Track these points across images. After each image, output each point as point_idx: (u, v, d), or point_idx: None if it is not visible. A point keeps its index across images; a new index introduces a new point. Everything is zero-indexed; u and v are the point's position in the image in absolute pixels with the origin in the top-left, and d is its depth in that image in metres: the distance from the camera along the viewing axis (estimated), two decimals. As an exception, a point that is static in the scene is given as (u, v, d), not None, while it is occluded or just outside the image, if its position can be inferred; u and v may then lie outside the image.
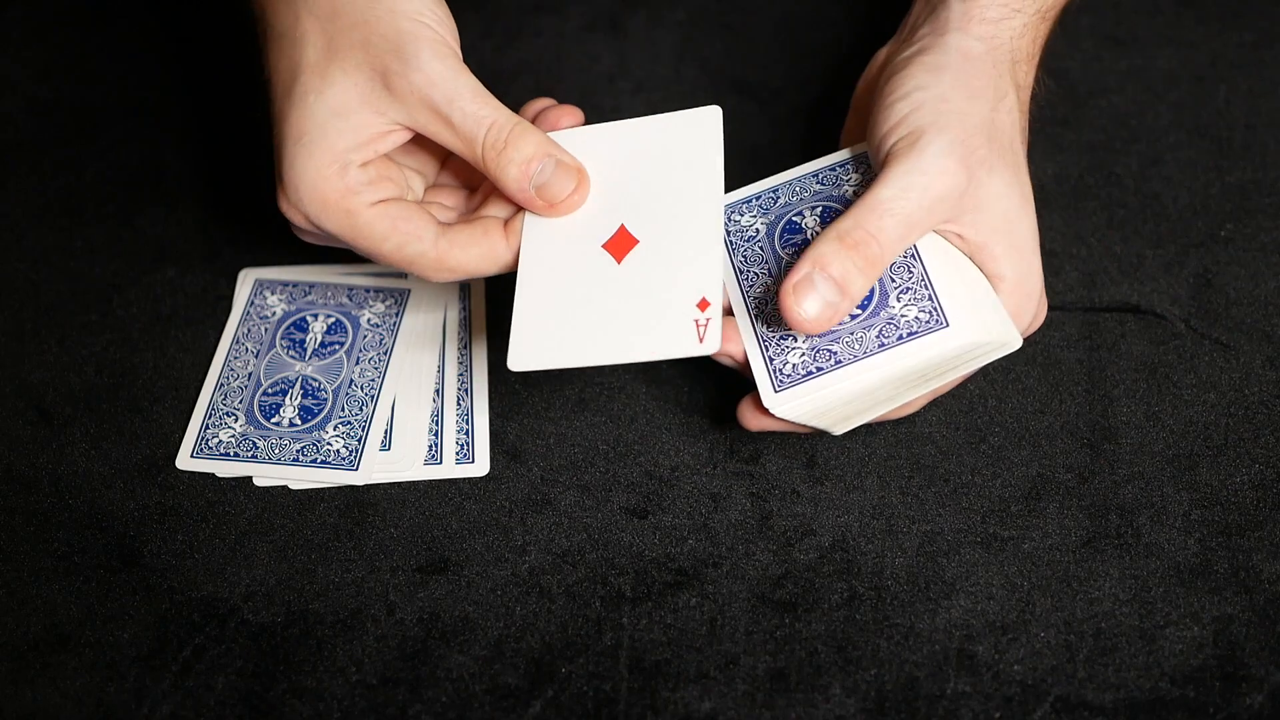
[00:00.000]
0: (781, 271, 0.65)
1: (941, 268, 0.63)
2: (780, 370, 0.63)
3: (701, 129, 0.64)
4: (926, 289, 0.63)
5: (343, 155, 0.62)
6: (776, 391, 0.63)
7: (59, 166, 0.82)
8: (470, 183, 0.68)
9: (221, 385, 0.70)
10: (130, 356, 0.73)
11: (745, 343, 0.64)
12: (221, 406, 0.70)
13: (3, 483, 0.68)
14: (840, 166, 0.68)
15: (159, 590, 0.64)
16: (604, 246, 0.63)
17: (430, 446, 0.68)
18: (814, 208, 0.67)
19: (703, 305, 0.60)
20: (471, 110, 0.62)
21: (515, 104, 0.84)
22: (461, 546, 0.65)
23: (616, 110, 0.83)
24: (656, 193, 0.63)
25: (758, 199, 0.69)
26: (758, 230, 0.68)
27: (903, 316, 0.63)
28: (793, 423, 0.63)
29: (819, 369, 0.62)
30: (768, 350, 0.64)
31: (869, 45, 0.87)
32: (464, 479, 0.68)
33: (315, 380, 0.70)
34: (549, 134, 0.65)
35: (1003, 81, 0.65)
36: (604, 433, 0.69)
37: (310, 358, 0.71)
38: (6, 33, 0.90)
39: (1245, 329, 0.72)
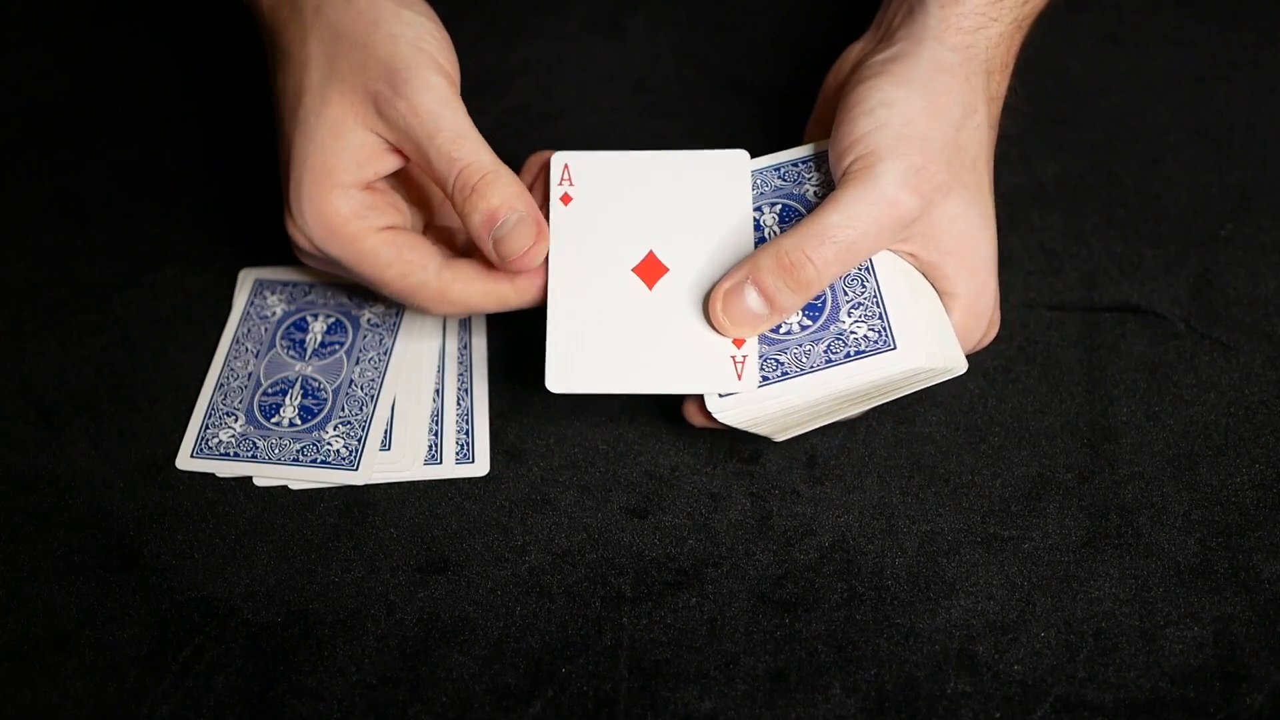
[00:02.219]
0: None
1: (894, 285, 0.63)
2: None
3: (728, 168, 0.65)
4: (878, 307, 0.63)
5: (344, 177, 0.63)
6: (722, 396, 0.63)
7: (59, 166, 0.82)
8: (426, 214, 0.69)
9: (221, 385, 0.71)
10: (130, 356, 0.73)
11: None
12: (221, 406, 0.70)
13: (3, 483, 0.68)
14: (803, 162, 0.68)
15: (159, 590, 0.64)
16: (634, 270, 0.64)
17: (430, 446, 0.68)
18: (774, 204, 0.67)
19: (739, 342, 0.62)
20: (447, 150, 0.61)
21: (515, 104, 0.84)
22: (461, 546, 0.65)
23: (616, 110, 0.83)
24: (686, 226, 0.64)
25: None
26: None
27: (852, 334, 0.63)
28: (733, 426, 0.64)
29: (764, 379, 0.63)
30: None
31: (869, 45, 0.87)
32: (464, 479, 0.68)
33: (315, 380, 0.70)
34: (575, 154, 0.65)
35: (973, 96, 0.65)
36: (604, 433, 0.69)
37: (310, 358, 0.71)
38: (6, 32, 0.90)
39: (1245, 329, 0.72)
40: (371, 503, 0.67)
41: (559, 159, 0.66)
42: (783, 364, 0.63)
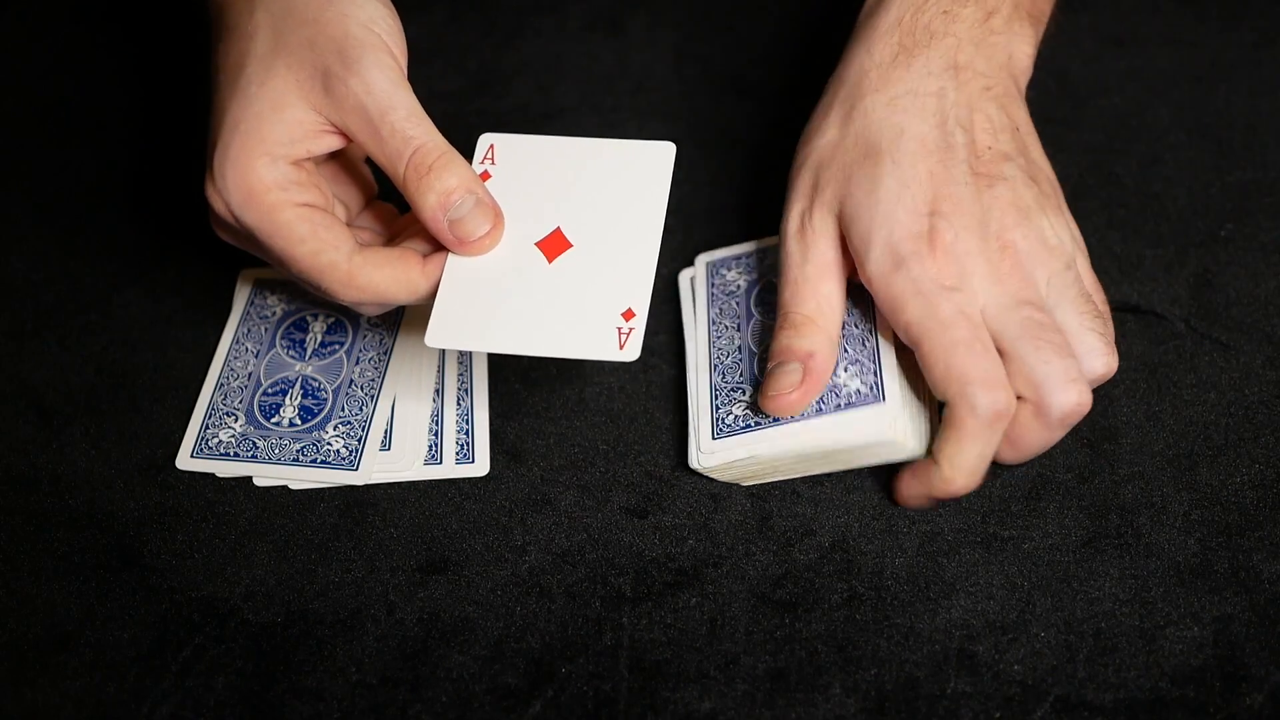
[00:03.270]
0: (750, 328, 0.69)
1: (893, 353, 0.66)
2: (723, 419, 0.66)
3: (654, 160, 0.65)
4: (874, 363, 0.65)
5: (275, 148, 0.62)
6: (714, 438, 0.66)
7: (59, 166, 0.82)
8: (390, 230, 0.68)
9: (221, 385, 0.71)
10: (130, 356, 0.73)
11: (695, 390, 0.68)
12: (221, 406, 0.70)
13: (3, 483, 0.68)
14: None
15: (159, 590, 0.64)
16: (537, 244, 0.63)
17: (430, 446, 0.68)
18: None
19: (628, 315, 0.61)
20: (402, 128, 0.61)
21: (515, 104, 0.84)
22: (461, 546, 0.65)
23: (616, 110, 0.83)
24: (598, 208, 0.64)
25: (746, 258, 0.72)
26: (739, 286, 0.71)
27: (845, 386, 0.65)
28: (708, 469, 0.66)
29: (757, 424, 0.65)
30: (717, 399, 0.67)
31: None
32: (464, 479, 0.68)
33: (315, 380, 0.70)
34: (504, 136, 0.65)
35: (866, 67, 0.67)
36: (604, 433, 0.69)
37: (310, 358, 0.71)
38: (6, 31, 0.90)
39: (1245, 329, 0.72)
40: (371, 503, 0.67)
41: (485, 139, 0.66)
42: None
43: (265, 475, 0.67)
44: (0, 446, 0.69)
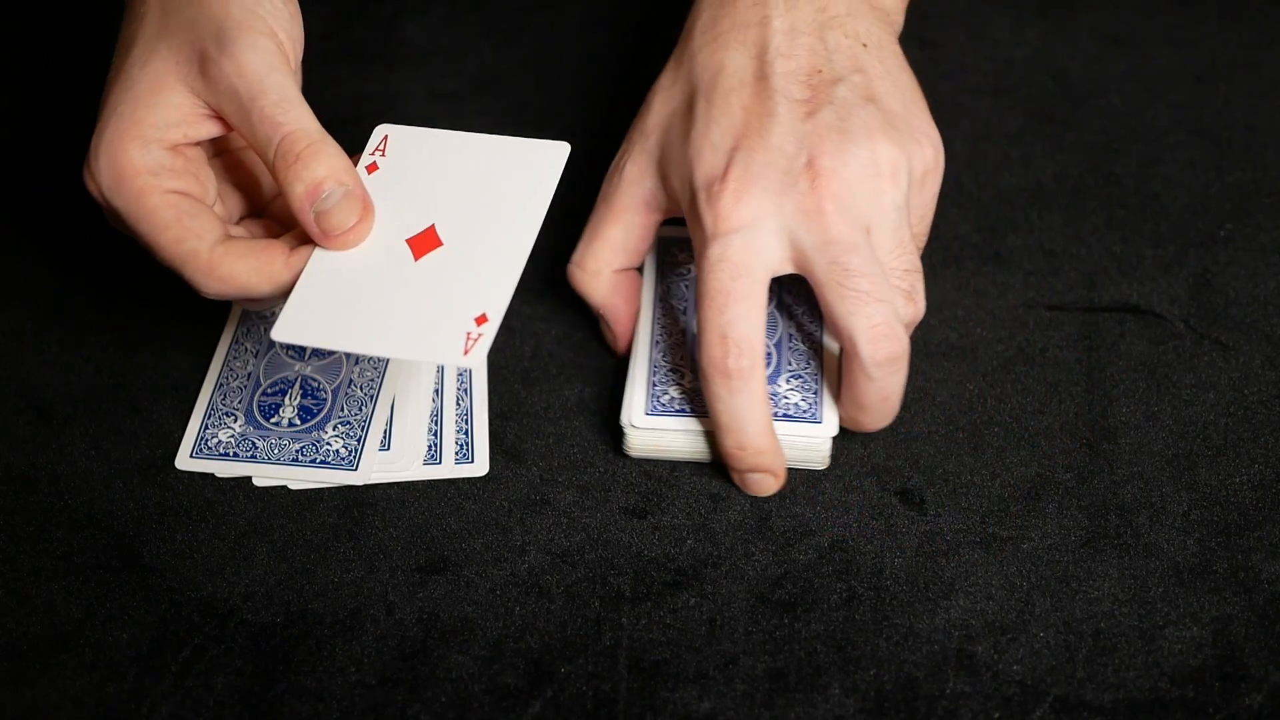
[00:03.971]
0: (695, 314, 0.68)
1: (832, 376, 0.67)
2: (658, 398, 0.67)
3: (545, 160, 0.63)
4: (816, 383, 0.67)
5: (149, 131, 0.61)
6: (647, 414, 0.67)
7: (59, 165, 0.82)
8: (252, 203, 0.67)
9: (221, 385, 0.71)
10: (130, 356, 0.73)
11: (634, 364, 0.69)
12: (221, 406, 0.70)
13: (2, 483, 0.68)
14: None
15: (158, 590, 0.64)
16: (407, 240, 0.62)
17: (430, 446, 0.68)
18: None
19: (480, 320, 0.60)
20: (270, 113, 0.59)
21: (515, 104, 0.84)
22: (461, 546, 0.65)
23: (616, 110, 0.83)
24: (477, 207, 0.62)
25: None
26: (689, 270, 0.72)
27: (785, 398, 0.66)
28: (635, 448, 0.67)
29: (692, 410, 0.66)
30: (654, 375, 0.68)
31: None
32: (463, 479, 0.68)
33: (315, 380, 0.70)
34: (401, 128, 0.64)
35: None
36: (604, 433, 0.69)
37: (309, 357, 0.71)
38: (6, 30, 0.90)
39: (1245, 329, 0.72)
40: (371, 503, 0.67)
41: (381, 130, 0.64)
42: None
43: (265, 475, 0.67)
44: (0, 446, 0.69)
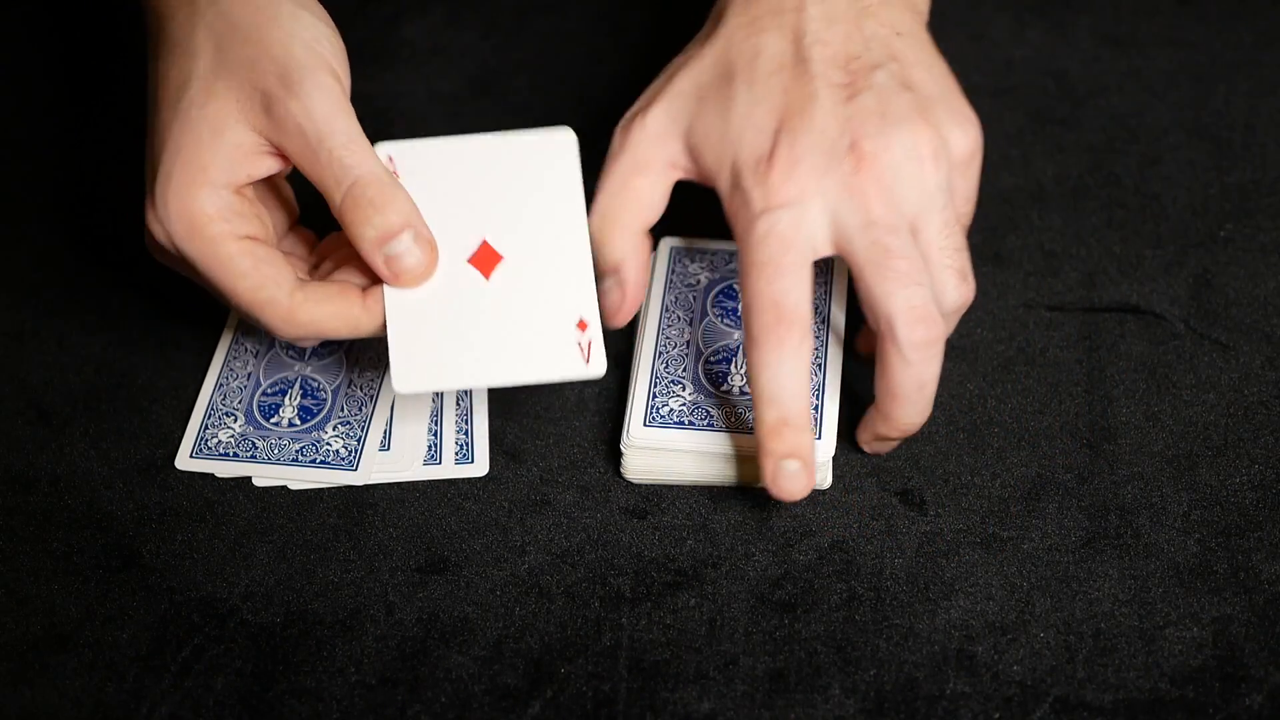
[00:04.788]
0: (702, 326, 0.70)
1: (836, 391, 0.67)
2: (658, 409, 0.66)
3: (558, 149, 0.64)
4: (816, 399, 0.66)
5: (216, 175, 0.61)
6: (645, 426, 0.66)
7: (59, 165, 0.82)
8: (314, 255, 0.67)
9: (221, 385, 0.71)
10: (130, 356, 0.73)
11: (636, 374, 0.68)
12: (221, 406, 0.70)
13: (3, 483, 0.68)
14: None
15: (158, 590, 0.64)
16: (469, 261, 0.62)
17: (429, 446, 0.68)
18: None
19: (582, 326, 0.61)
20: (339, 156, 0.60)
21: (515, 104, 0.84)
22: (461, 547, 0.65)
23: (616, 110, 0.83)
24: (515, 210, 0.63)
25: (712, 255, 0.73)
26: (699, 280, 0.72)
27: None
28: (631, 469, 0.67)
29: (692, 423, 0.66)
30: (655, 387, 0.67)
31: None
32: (463, 479, 0.68)
33: (314, 380, 0.70)
34: (401, 143, 0.64)
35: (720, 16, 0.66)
36: (604, 433, 0.69)
37: (309, 358, 0.71)
38: (7, 30, 0.90)
39: (1245, 329, 0.72)
40: (371, 503, 0.67)
41: (382, 149, 0.63)
42: (712, 416, 0.66)
43: (264, 475, 0.67)
44: (0, 446, 0.69)
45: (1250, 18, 0.86)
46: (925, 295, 0.61)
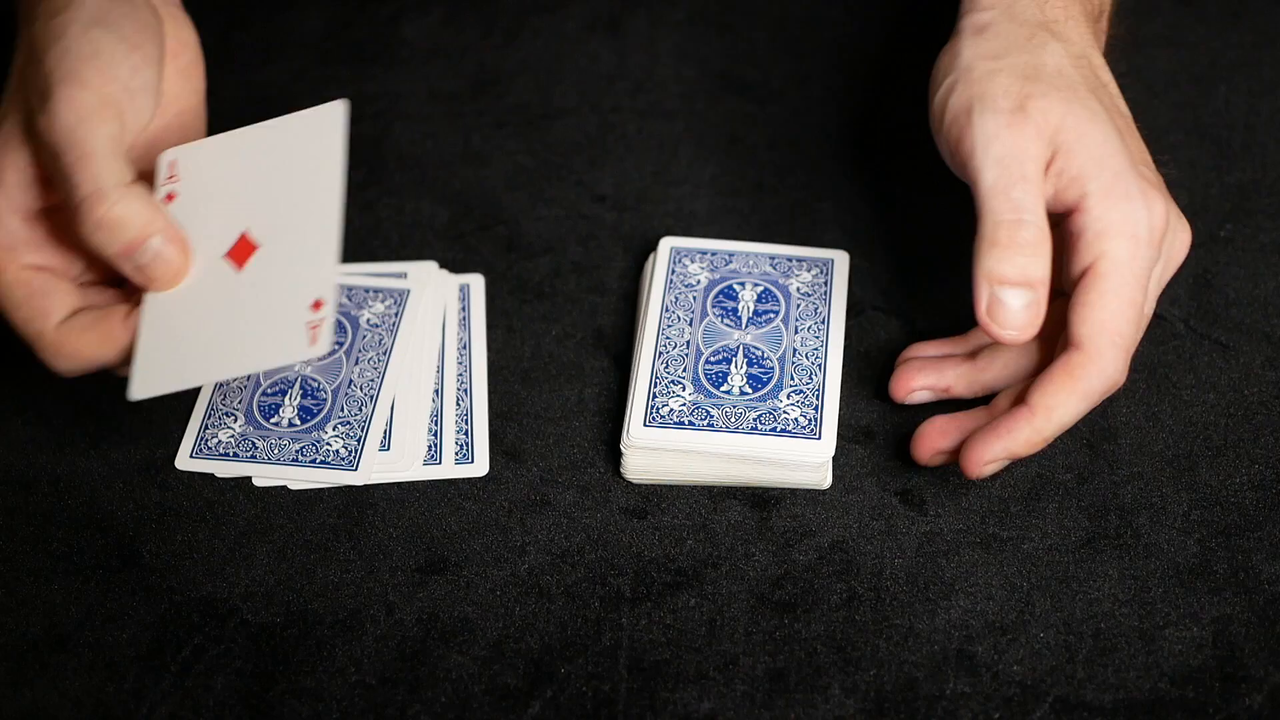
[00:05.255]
0: (702, 326, 0.69)
1: (836, 386, 0.67)
2: (658, 409, 0.66)
3: (324, 126, 0.61)
4: (818, 399, 0.67)
5: (1, 203, 0.60)
6: (645, 426, 0.66)
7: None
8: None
9: (221, 385, 0.70)
10: (130, 356, 0.73)
11: (636, 374, 0.68)
12: (221, 407, 0.70)
13: (3, 483, 0.68)
14: (796, 260, 0.72)
15: (158, 590, 0.64)
16: (226, 256, 0.61)
17: (429, 447, 0.68)
18: (756, 284, 0.71)
19: (316, 306, 0.59)
20: (70, 171, 0.58)
21: (515, 104, 0.84)
22: (461, 547, 0.65)
23: (616, 110, 0.83)
24: (277, 196, 0.61)
25: (712, 255, 0.73)
26: (699, 280, 0.72)
27: (785, 414, 0.66)
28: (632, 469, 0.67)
29: (691, 423, 0.66)
30: (655, 386, 0.67)
31: (869, 45, 0.87)
32: (463, 479, 0.68)
33: (314, 380, 0.70)
34: (185, 147, 0.62)
35: (1034, 37, 0.65)
36: (604, 433, 0.69)
37: (310, 358, 0.71)
38: (7, 30, 0.90)
39: (1245, 329, 0.72)
40: (371, 503, 0.67)
41: (166, 156, 0.62)
42: (713, 417, 0.66)
43: (264, 475, 0.67)
44: (0, 446, 0.69)
45: (1250, 18, 0.86)
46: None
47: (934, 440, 0.65)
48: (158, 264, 0.60)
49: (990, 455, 0.62)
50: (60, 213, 0.61)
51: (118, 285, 0.64)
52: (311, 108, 0.62)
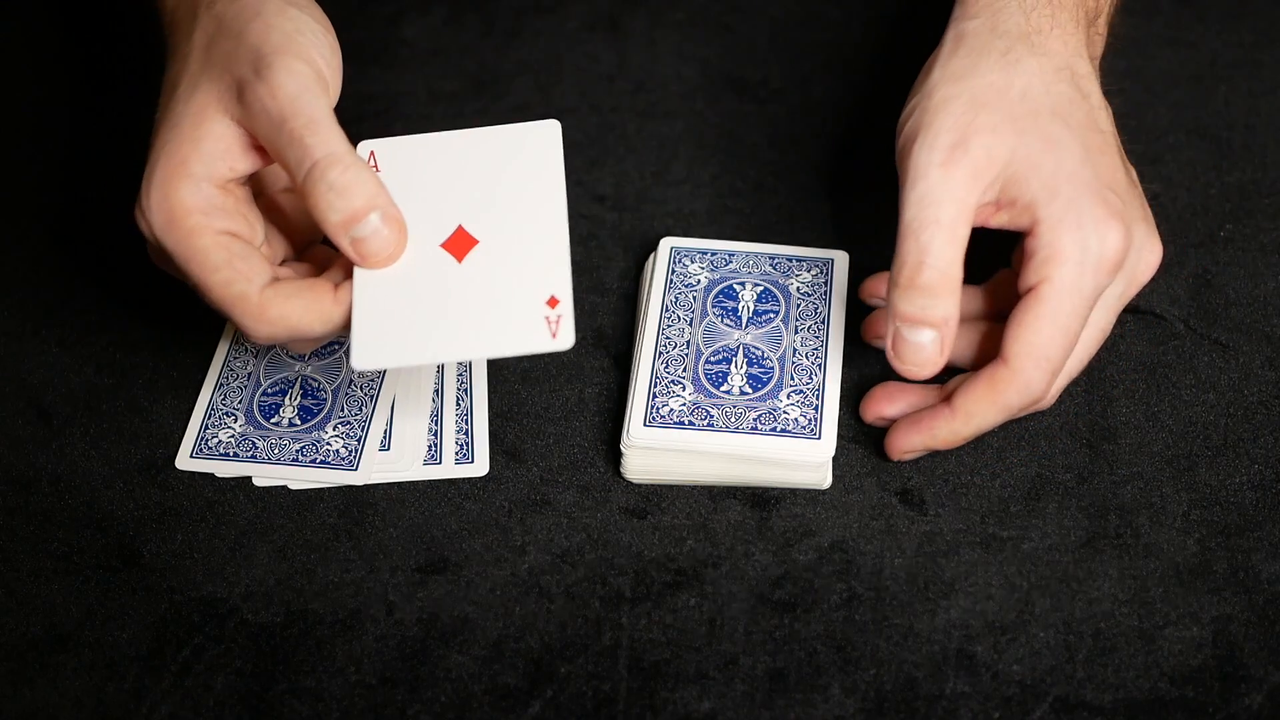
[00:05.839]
0: (702, 326, 0.70)
1: (836, 386, 0.68)
2: (658, 409, 0.66)
3: (542, 140, 0.64)
4: (818, 399, 0.67)
5: (197, 168, 0.61)
6: (645, 426, 0.66)
7: (60, 164, 0.82)
8: (296, 244, 0.67)
9: (221, 385, 0.71)
10: (130, 356, 0.73)
11: (636, 374, 0.68)
12: (221, 406, 0.70)
13: (3, 483, 0.68)
14: (796, 260, 0.73)
15: (158, 590, 0.64)
16: (442, 246, 0.62)
17: (430, 446, 0.68)
18: (756, 284, 0.71)
19: (552, 303, 0.60)
20: (300, 136, 0.59)
21: (515, 104, 0.84)
22: (461, 546, 0.65)
23: (616, 110, 0.83)
24: (495, 198, 0.63)
25: (712, 255, 0.73)
26: (699, 280, 0.72)
27: (785, 413, 0.66)
28: (632, 470, 0.67)
29: (691, 423, 0.66)
30: (655, 387, 0.67)
31: (869, 45, 0.87)
32: (463, 479, 0.68)
33: (315, 380, 0.70)
34: (385, 140, 0.64)
35: (1010, 51, 0.65)
36: (604, 433, 0.69)
37: (309, 357, 0.71)
38: (8, 30, 0.90)
39: (1244, 329, 0.72)
40: (371, 503, 0.67)
41: (365, 146, 0.64)
42: (712, 417, 0.66)
43: (265, 475, 0.67)
44: (0, 446, 0.69)
45: (1250, 18, 0.86)
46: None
47: (879, 405, 0.68)
48: (375, 240, 0.60)
49: (909, 446, 0.66)
50: (246, 185, 0.63)
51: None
52: (526, 122, 0.65)
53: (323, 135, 0.59)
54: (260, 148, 0.61)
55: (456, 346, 0.60)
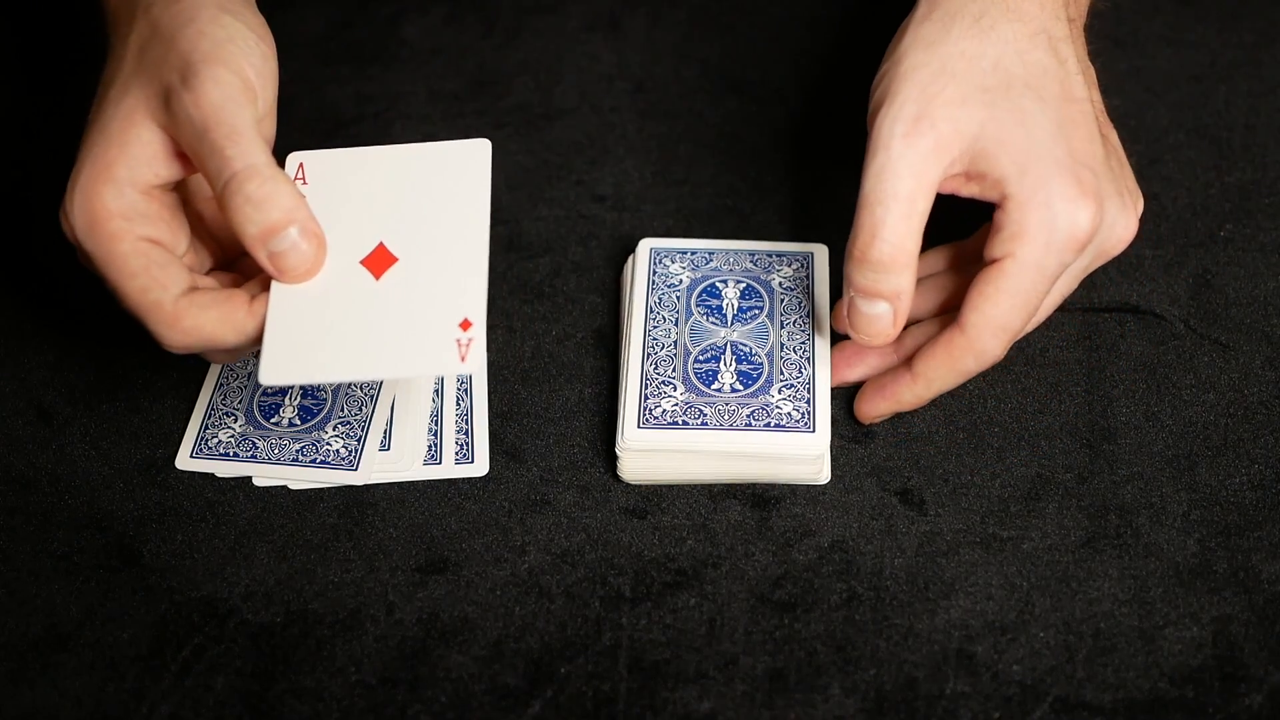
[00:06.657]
0: (688, 326, 0.70)
1: (825, 378, 0.68)
2: (651, 410, 0.66)
3: (471, 160, 0.64)
4: (809, 393, 0.67)
5: (121, 173, 0.60)
6: (639, 427, 0.66)
7: (60, 165, 0.82)
8: (229, 253, 0.66)
9: (221, 385, 0.71)
10: (130, 356, 0.73)
11: (626, 376, 0.68)
12: (221, 406, 0.70)
13: (3, 483, 0.68)
14: (776, 255, 0.73)
15: (158, 590, 0.64)
16: (361, 263, 0.62)
17: (430, 446, 0.68)
18: (738, 281, 0.71)
19: (465, 325, 0.60)
20: (221, 146, 0.58)
21: (515, 104, 0.84)
22: (461, 546, 0.65)
23: (616, 110, 0.83)
24: (419, 216, 0.62)
25: (692, 254, 0.73)
26: (681, 280, 0.72)
27: (778, 408, 0.66)
28: (629, 471, 0.67)
29: (685, 422, 0.66)
30: (646, 388, 0.67)
31: (869, 45, 0.87)
32: (463, 479, 0.68)
33: (315, 380, 0.70)
34: (314, 153, 0.64)
35: (984, 17, 0.64)
36: (604, 433, 0.69)
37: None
38: (8, 31, 0.90)
39: (1244, 329, 0.72)
40: (371, 503, 0.67)
41: (294, 158, 0.64)
42: (706, 415, 0.66)
43: (265, 475, 0.67)
44: (0, 446, 0.69)
45: (1250, 18, 0.86)
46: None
47: (840, 370, 0.69)
48: (293, 254, 0.60)
49: (877, 411, 0.68)
50: (173, 191, 0.63)
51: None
52: (455, 140, 0.64)
53: (243, 146, 0.59)
54: (186, 155, 0.61)
55: (365, 366, 0.60)
